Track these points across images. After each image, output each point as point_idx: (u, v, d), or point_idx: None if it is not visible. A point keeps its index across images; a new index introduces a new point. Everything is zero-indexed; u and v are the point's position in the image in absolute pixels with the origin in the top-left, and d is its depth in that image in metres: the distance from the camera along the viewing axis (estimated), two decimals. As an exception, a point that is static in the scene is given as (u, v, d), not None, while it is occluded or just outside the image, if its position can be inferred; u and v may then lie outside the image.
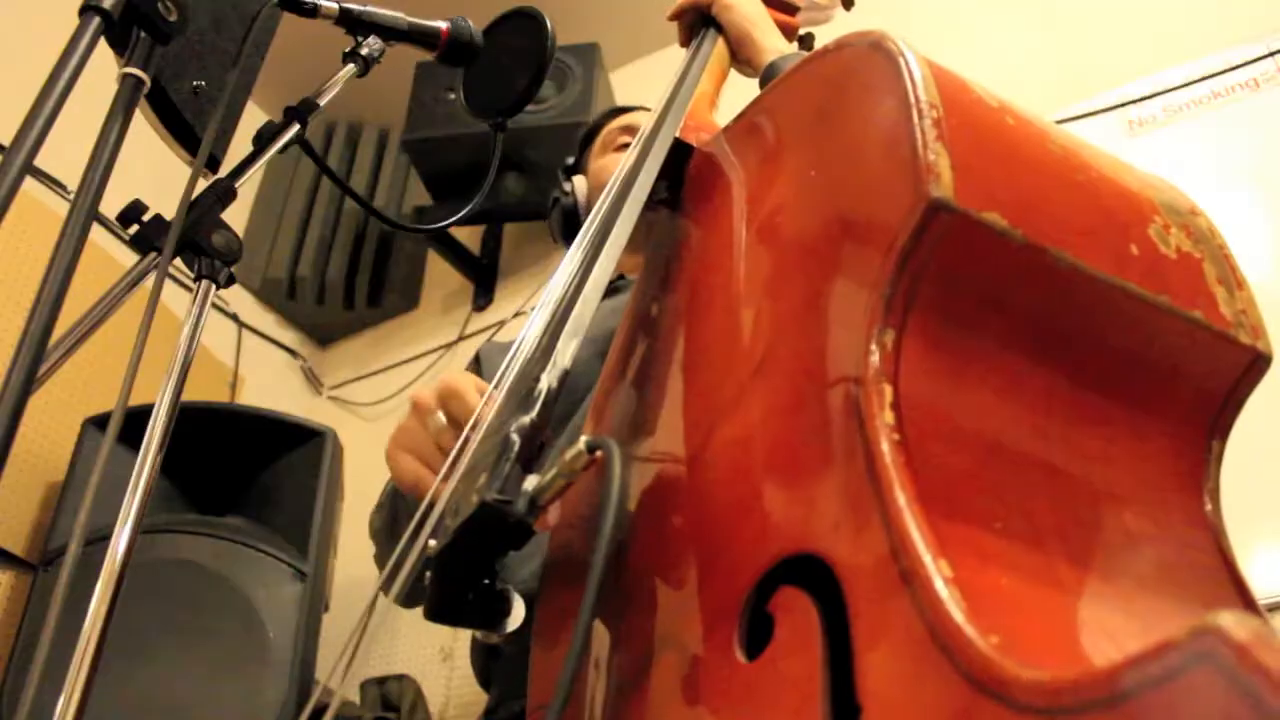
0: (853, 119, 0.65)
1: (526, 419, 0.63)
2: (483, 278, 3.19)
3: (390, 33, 0.98)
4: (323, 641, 2.12)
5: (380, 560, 1.20)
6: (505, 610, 0.61)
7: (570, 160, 1.48)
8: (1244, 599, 0.55)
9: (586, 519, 0.76)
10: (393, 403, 3.03)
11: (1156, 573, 0.54)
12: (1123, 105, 2.24)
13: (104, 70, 0.71)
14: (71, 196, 0.65)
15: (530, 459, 0.62)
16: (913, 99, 0.57)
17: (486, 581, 0.61)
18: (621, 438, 0.79)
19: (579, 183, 1.38)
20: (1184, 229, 0.62)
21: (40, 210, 2.35)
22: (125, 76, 0.70)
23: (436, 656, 2.43)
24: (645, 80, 2.62)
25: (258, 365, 3.07)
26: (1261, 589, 1.65)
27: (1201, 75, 2.19)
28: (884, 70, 0.61)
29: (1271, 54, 2.14)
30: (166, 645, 1.87)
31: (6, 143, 0.58)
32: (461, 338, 3.06)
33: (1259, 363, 0.59)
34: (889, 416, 0.50)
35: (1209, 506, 0.58)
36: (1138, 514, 0.55)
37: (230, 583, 2.00)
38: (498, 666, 1.13)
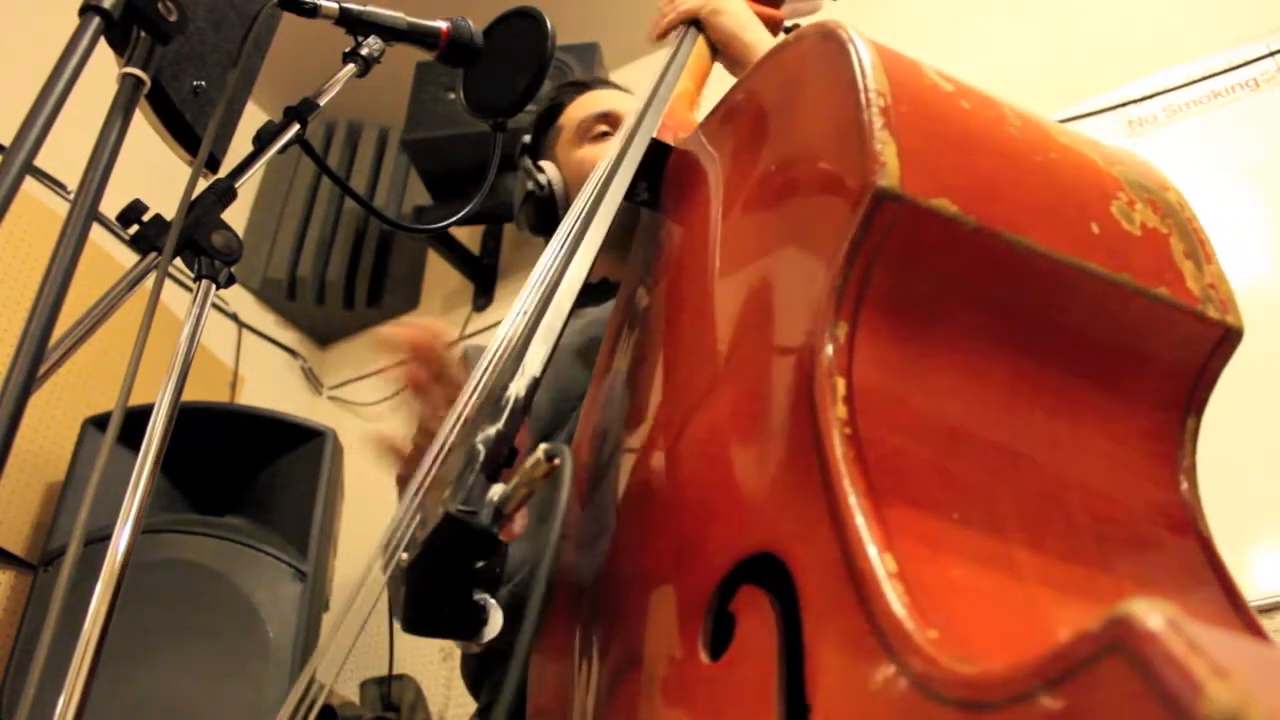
0: (808, 110, 0.64)
1: (493, 429, 0.62)
2: (483, 278, 3.19)
3: (390, 33, 0.98)
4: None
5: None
6: (482, 620, 0.61)
7: (526, 139, 1.37)
8: (1221, 581, 0.53)
9: (577, 528, 0.76)
10: (393, 403, 3.02)
11: (1126, 558, 0.52)
12: (1123, 105, 2.24)
13: (104, 70, 0.71)
14: (71, 196, 0.65)
15: (496, 469, 0.61)
16: (860, 87, 0.56)
17: (462, 592, 0.61)
18: (612, 437, 0.79)
19: (551, 171, 1.30)
20: (1150, 204, 0.60)
21: (40, 210, 2.35)
22: (125, 76, 0.70)
23: (436, 656, 2.43)
24: (645, 80, 2.61)
25: (258, 365, 3.07)
26: (1262, 589, 1.65)
27: (1201, 75, 2.19)
28: (834, 59, 0.60)
29: (1271, 54, 2.14)
30: (166, 645, 1.87)
31: (6, 143, 0.58)
32: (461, 338, 3.05)
33: (1229, 337, 0.58)
34: (841, 410, 0.50)
35: (1185, 486, 0.56)
36: (1108, 498, 0.54)
37: (230, 583, 2.00)
38: (495, 667, 1.13)
